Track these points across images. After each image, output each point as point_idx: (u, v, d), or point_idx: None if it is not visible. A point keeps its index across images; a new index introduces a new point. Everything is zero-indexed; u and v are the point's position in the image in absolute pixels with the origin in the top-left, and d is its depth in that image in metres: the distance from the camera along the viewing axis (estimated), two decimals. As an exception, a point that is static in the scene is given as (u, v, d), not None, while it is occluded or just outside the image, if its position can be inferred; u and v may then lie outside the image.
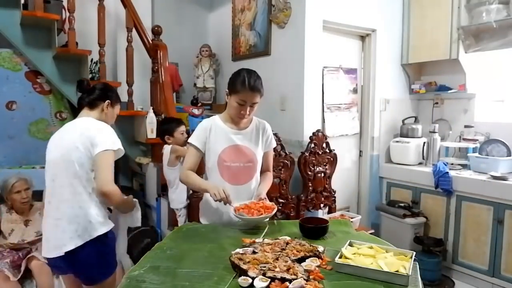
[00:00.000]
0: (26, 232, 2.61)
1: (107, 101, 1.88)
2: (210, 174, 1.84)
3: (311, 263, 1.28)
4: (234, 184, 1.81)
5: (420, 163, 3.54)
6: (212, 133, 1.81)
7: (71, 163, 1.69)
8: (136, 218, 1.98)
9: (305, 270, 1.22)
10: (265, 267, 1.21)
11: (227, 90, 1.79)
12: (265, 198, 1.80)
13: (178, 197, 2.73)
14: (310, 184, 3.02)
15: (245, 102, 1.73)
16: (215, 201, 1.67)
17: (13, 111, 3.17)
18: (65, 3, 3.04)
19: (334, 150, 3.15)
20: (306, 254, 1.34)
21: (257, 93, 1.74)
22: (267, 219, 1.74)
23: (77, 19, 2.92)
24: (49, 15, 2.82)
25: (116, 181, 3.19)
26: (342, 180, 3.45)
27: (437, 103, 3.78)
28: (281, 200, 2.87)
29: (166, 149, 2.69)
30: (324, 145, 3.08)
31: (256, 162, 1.87)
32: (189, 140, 1.84)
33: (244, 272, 1.19)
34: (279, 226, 1.70)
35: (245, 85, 1.70)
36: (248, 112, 1.76)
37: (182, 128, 2.72)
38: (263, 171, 1.94)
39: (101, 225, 1.73)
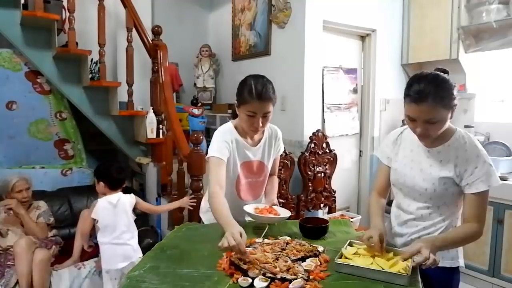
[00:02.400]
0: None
1: None
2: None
3: (311, 263, 1.28)
4: (246, 200, 1.77)
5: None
6: (234, 146, 1.68)
7: None
8: None
9: (305, 270, 1.22)
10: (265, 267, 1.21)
11: (236, 102, 1.65)
12: (277, 204, 1.77)
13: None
14: (310, 184, 3.02)
15: (255, 113, 1.56)
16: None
17: (13, 111, 3.17)
18: (65, 3, 3.03)
19: (334, 150, 3.15)
20: (306, 254, 1.34)
21: (268, 102, 1.56)
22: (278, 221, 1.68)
23: (77, 19, 2.92)
24: (49, 15, 2.81)
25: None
26: (342, 180, 3.45)
27: (437, 103, 3.77)
28: (281, 200, 2.87)
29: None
30: (324, 145, 3.08)
31: (267, 174, 1.83)
32: (211, 154, 1.63)
33: (244, 272, 1.19)
34: (279, 226, 1.70)
35: (253, 94, 1.54)
36: (261, 124, 1.59)
37: None
38: (269, 175, 1.89)
39: None
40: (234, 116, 1.77)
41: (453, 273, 1.44)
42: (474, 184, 1.33)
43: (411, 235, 1.47)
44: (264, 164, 1.79)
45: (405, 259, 1.25)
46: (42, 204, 2.78)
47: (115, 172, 2.36)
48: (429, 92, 1.26)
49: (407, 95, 1.32)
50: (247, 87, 1.57)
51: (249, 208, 1.67)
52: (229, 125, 1.74)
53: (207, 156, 1.66)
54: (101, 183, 2.35)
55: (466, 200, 1.37)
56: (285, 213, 1.68)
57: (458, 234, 1.38)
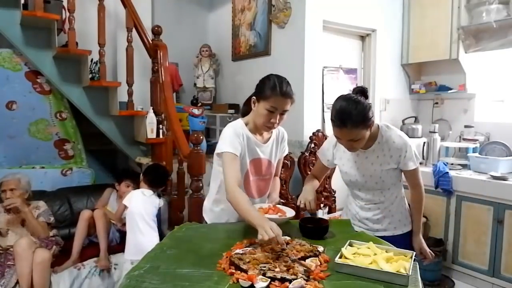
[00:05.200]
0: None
1: None
2: None
3: (311, 263, 1.28)
4: (252, 197, 1.76)
5: (420, 163, 3.51)
6: (245, 143, 1.69)
7: None
8: None
9: (305, 270, 1.22)
10: (265, 267, 1.21)
11: (254, 98, 1.67)
12: (281, 203, 1.80)
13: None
14: (310, 184, 3.01)
15: (275, 109, 1.61)
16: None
17: (13, 111, 3.17)
18: (65, 3, 3.03)
19: (334, 150, 3.14)
20: (306, 254, 1.34)
21: (289, 99, 1.64)
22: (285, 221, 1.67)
23: (77, 19, 2.92)
24: (49, 15, 2.81)
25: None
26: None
27: (437, 103, 3.78)
28: (281, 200, 2.86)
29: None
30: (324, 145, 3.08)
31: (273, 173, 1.85)
32: (225, 149, 1.62)
33: (244, 272, 1.19)
34: (279, 226, 1.69)
35: (276, 90, 1.60)
36: (277, 121, 1.64)
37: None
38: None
39: None
40: (244, 114, 1.80)
41: (408, 237, 1.85)
42: (408, 164, 1.71)
43: (376, 215, 1.80)
44: (272, 163, 1.82)
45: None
46: (42, 204, 2.77)
47: (160, 172, 2.73)
48: (347, 120, 1.53)
49: (332, 119, 1.60)
50: (271, 83, 1.63)
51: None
52: (240, 121, 1.74)
53: (220, 151, 1.64)
54: (143, 180, 2.66)
55: (406, 175, 1.78)
56: (290, 212, 1.70)
57: (417, 209, 1.85)
